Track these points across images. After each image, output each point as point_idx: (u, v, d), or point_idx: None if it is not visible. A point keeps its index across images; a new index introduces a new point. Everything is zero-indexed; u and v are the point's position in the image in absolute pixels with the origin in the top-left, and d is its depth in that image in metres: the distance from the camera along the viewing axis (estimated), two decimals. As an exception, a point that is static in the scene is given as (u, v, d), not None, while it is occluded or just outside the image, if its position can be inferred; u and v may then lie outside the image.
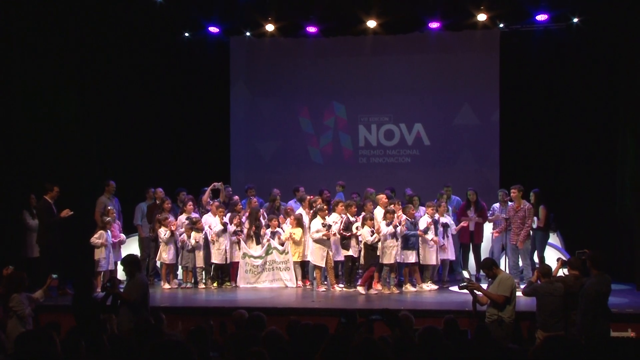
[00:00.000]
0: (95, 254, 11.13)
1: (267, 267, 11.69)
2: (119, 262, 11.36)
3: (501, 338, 7.61)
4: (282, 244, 11.67)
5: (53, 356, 4.90)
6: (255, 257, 11.70)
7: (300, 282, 11.70)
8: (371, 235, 10.90)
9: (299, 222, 11.69)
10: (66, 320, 7.77)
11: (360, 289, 10.93)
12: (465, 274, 12.24)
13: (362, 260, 11.32)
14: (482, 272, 12.20)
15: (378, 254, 11.08)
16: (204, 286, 11.68)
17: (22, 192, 11.31)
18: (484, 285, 8.89)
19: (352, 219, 11.31)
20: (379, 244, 11.04)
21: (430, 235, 11.32)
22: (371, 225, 10.98)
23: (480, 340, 6.39)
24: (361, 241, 11.16)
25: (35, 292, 8.05)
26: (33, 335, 5.61)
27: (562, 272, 8.97)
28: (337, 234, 11.23)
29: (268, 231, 11.80)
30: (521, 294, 8.82)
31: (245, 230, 11.80)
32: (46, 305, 9.34)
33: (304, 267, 11.85)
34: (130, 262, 8.22)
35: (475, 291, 8.35)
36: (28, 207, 11.30)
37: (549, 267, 8.53)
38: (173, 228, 11.68)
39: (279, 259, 11.68)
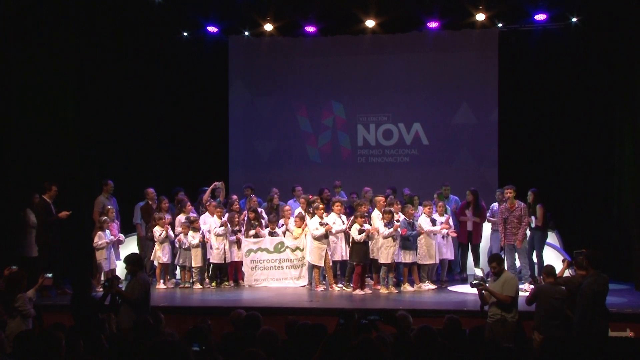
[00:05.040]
0: (97, 255, 11.12)
1: (278, 266, 11.68)
2: (118, 262, 11.41)
3: (504, 337, 7.57)
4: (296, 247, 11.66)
5: (57, 356, 4.92)
6: (262, 250, 11.65)
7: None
8: (359, 233, 10.92)
9: (303, 221, 11.69)
10: (65, 319, 7.76)
11: (358, 292, 10.93)
12: (479, 272, 12.12)
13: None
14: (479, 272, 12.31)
15: (374, 255, 11.11)
16: (201, 286, 11.67)
17: (25, 191, 11.31)
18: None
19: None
20: (376, 243, 11.07)
21: (434, 228, 11.30)
22: (361, 223, 11.00)
23: (476, 339, 6.40)
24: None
25: (27, 291, 8.03)
26: (38, 335, 5.62)
27: (569, 272, 8.97)
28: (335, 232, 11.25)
29: (266, 231, 11.79)
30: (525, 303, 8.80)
31: (243, 230, 11.80)
32: (45, 304, 9.37)
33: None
34: (133, 260, 8.29)
35: (483, 291, 8.27)
36: (31, 206, 11.30)
37: (552, 267, 8.48)
38: (168, 228, 11.66)
39: (292, 256, 11.64)
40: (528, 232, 11.41)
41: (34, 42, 11.77)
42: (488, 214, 12.28)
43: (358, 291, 10.91)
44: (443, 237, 11.60)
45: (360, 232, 10.93)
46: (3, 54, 11.42)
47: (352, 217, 11.26)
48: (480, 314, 8.40)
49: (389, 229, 10.90)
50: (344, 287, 11.25)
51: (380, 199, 11.52)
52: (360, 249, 10.99)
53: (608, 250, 10.62)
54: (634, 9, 11.64)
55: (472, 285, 8.36)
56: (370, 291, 11.08)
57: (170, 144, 14.93)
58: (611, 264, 10.32)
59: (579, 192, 13.24)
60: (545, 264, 10.43)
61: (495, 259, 8.44)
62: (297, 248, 11.61)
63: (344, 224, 11.35)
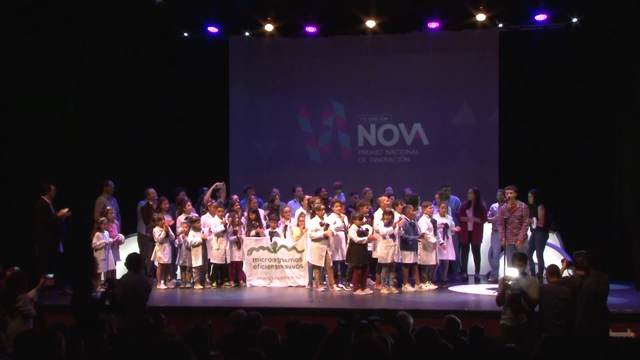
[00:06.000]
0: (95, 256, 11.12)
1: (277, 265, 11.67)
2: (118, 262, 11.41)
3: (532, 341, 7.43)
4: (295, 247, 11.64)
5: (57, 357, 4.91)
6: (263, 249, 11.64)
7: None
8: (358, 235, 10.90)
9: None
10: (65, 319, 7.76)
11: (358, 292, 10.92)
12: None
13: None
14: (481, 273, 12.33)
15: (375, 256, 11.11)
16: (202, 286, 11.65)
17: (25, 192, 11.30)
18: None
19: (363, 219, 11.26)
20: (377, 243, 11.07)
21: (432, 239, 11.24)
22: (358, 224, 10.99)
23: (477, 339, 6.39)
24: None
25: (29, 291, 8.03)
26: (39, 335, 5.62)
27: (568, 272, 8.95)
28: (335, 233, 11.24)
29: (267, 231, 11.79)
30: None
31: (244, 230, 11.79)
32: (45, 304, 9.37)
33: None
34: (128, 261, 8.31)
35: (508, 290, 8.07)
36: None
37: (556, 267, 8.44)
38: (168, 228, 11.65)
39: (288, 256, 11.64)
40: (529, 233, 11.40)
41: (34, 42, 11.76)
42: (489, 214, 12.27)
43: (358, 291, 10.90)
44: (444, 237, 11.59)
45: (359, 233, 10.92)
46: (3, 54, 11.41)
47: (351, 217, 11.26)
48: (481, 314, 8.39)
49: (390, 229, 10.89)
50: (344, 288, 11.25)
51: (384, 198, 11.51)
52: (357, 250, 10.97)
53: (608, 250, 10.60)
54: (634, 9, 11.64)
55: (510, 288, 7.86)
56: (370, 291, 11.07)
57: (170, 144, 14.92)
58: (611, 264, 10.30)
59: (579, 193, 13.23)
60: (546, 264, 10.44)
61: (523, 258, 8.26)
62: (294, 248, 11.60)
63: (343, 223, 11.35)
